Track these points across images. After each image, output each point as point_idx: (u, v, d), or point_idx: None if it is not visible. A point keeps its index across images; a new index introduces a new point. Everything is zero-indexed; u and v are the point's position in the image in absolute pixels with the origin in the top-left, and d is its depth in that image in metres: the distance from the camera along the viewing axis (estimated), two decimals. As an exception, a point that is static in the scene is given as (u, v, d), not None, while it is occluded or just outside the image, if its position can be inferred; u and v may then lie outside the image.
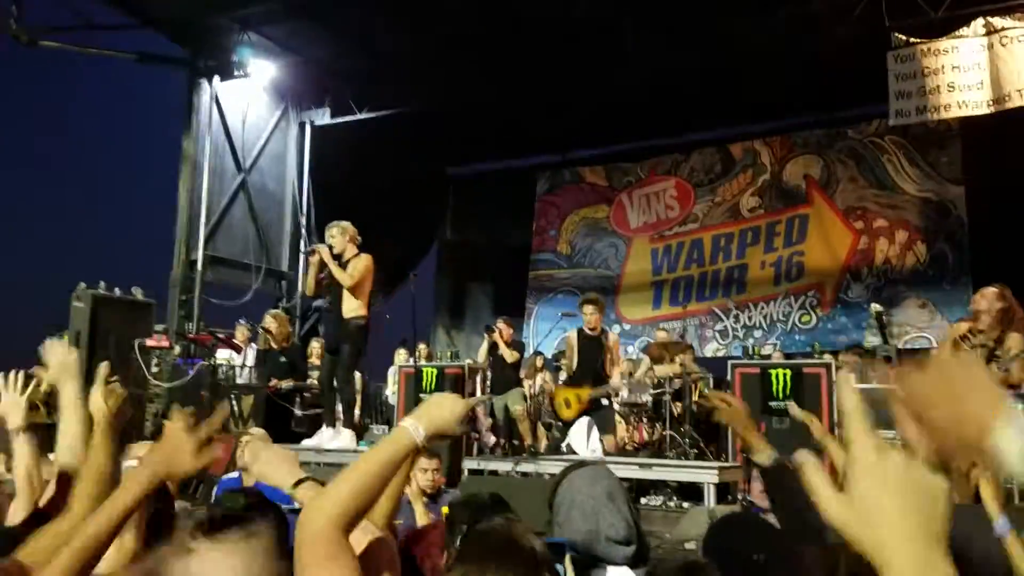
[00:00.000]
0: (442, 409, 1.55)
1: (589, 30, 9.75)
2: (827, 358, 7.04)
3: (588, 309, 7.70)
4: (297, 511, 3.28)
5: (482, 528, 1.52)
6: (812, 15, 9.02)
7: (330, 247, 7.16)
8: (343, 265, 7.15)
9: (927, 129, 10.92)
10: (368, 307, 7.28)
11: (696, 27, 9.59)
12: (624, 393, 8.51)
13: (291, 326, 9.98)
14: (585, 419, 7.31)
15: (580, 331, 7.79)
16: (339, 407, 7.59)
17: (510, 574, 1.31)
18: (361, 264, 7.12)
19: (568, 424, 7.41)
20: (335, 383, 7.46)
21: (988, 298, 5.25)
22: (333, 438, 7.28)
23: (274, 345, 8.38)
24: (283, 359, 8.30)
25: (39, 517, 1.96)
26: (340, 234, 7.20)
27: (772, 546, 1.89)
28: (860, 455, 0.79)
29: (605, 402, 7.58)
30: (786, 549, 1.89)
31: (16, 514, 2.13)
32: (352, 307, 7.15)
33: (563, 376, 8.26)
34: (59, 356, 2.20)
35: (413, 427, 1.51)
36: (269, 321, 8.51)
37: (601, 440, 7.49)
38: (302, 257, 11.97)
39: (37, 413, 2.88)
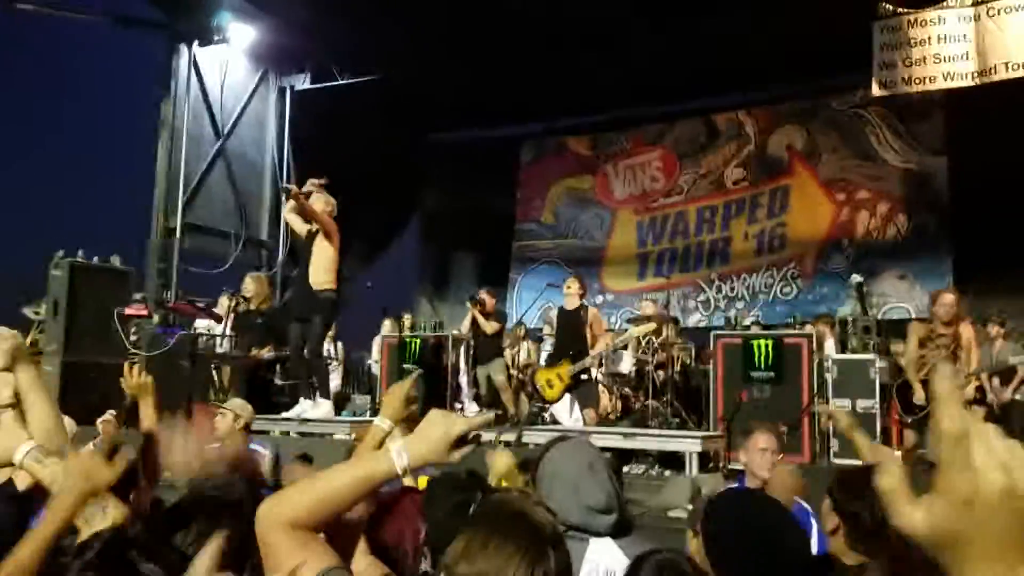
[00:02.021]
0: (435, 434, 1.45)
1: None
2: (808, 329, 7.09)
3: (570, 280, 7.86)
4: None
5: (493, 499, 1.53)
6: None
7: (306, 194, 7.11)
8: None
9: (910, 100, 10.91)
10: (338, 279, 7.19)
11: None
12: (602, 361, 8.58)
13: (272, 291, 9.84)
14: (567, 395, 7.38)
15: (560, 308, 7.85)
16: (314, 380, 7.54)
17: (512, 546, 1.30)
18: (321, 203, 7.06)
19: (553, 404, 7.47)
20: (306, 354, 7.38)
21: (948, 303, 6.19)
22: (313, 409, 7.26)
23: (251, 307, 8.25)
24: (260, 321, 8.18)
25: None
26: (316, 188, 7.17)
27: (780, 522, 1.88)
28: (953, 474, 0.66)
29: (585, 376, 7.61)
30: (791, 527, 1.89)
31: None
32: (322, 279, 7.06)
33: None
34: None
35: (397, 454, 1.42)
36: (248, 282, 8.40)
37: (583, 413, 7.53)
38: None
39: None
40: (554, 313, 7.91)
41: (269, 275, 11.83)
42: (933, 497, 0.66)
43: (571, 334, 7.56)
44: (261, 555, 1.36)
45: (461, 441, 1.45)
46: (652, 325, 7.75)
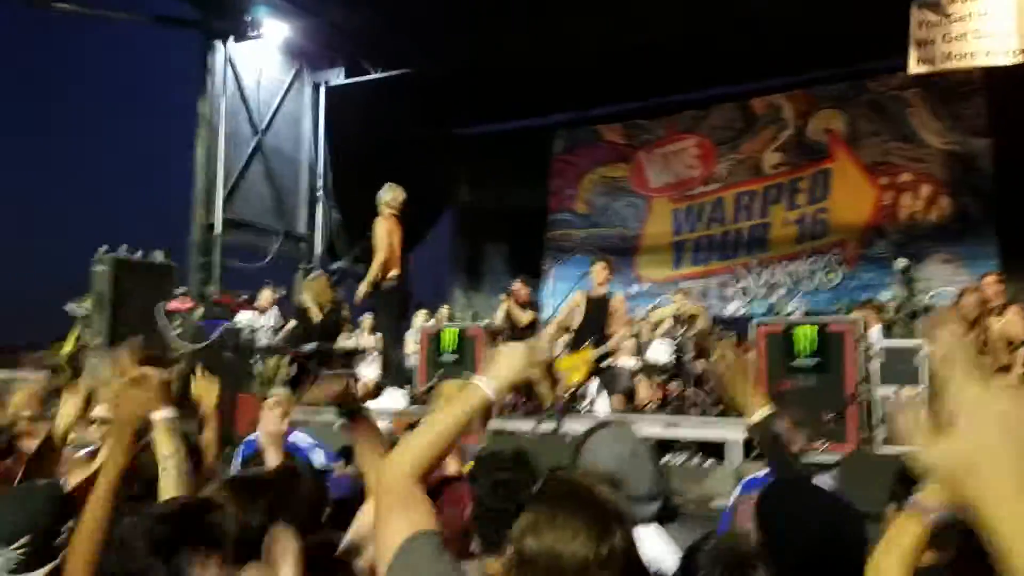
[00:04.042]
0: (512, 359, 1.62)
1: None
2: (853, 315, 6.96)
3: (599, 266, 7.77)
4: (325, 471, 3.33)
5: (560, 477, 1.56)
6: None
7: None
8: None
9: (951, 81, 10.67)
10: (401, 266, 7.33)
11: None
12: (640, 350, 8.52)
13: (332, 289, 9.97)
14: (596, 380, 7.36)
15: (587, 294, 7.79)
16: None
17: (579, 522, 1.32)
18: (376, 230, 7.23)
19: (579, 389, 7.44)
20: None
21: (971, 304, 6.26)
22: (400, 399, 7.45)
23: (313, 306, 8.43)
24: (322, 319, 8.37)
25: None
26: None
27: (832, 515, 1.84)
28: (962, 393, 0.72)
29: (611, 360, 7.58)
30: (847, 518, 1.85)
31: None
32: (382, 271, 7.25)
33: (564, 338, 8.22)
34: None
35: (485, 383, 1.58)
36: (307, 287, 8.63)
37: (611, 399, 7.51)
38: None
39: (62, 375, 3.01)
40: (582, 296, 7.85)
41: (307, 267, 11.98)
42: (950, 432, 0.72)
43: (595, 320, 7.53)
44: (376, 512, 1.48)
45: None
46: (676, 306, 7.68)
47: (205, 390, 3.40)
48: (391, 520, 1.43)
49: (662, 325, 9.24)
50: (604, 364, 7.51)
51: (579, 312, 7.67)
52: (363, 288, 7.27)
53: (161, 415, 2.02)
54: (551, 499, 1.39)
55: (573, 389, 7.45)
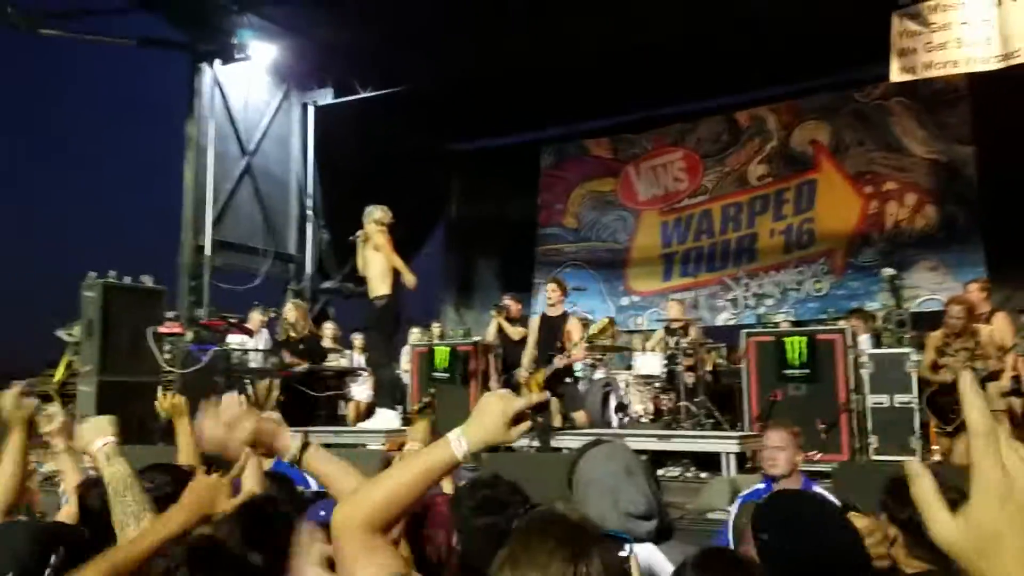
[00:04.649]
0: (491, 415, 1.48)
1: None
2: (841, 324, 7.00)
3: (550, 287, 7.78)
4: (318, 494, 3.29)
5: (535, 511, 1.56)
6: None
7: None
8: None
9: (934, 89, 10.77)
10: (392, 284, 7.33)
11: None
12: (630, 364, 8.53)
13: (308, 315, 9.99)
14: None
15: (543, 314, 7.81)
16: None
17: (553, 542, 1.31)
18: (377, 240, 7.29)
19: (535, 411, 7.35)
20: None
21: (956, 314, 6.24)
22: (392, 419, 7.40)
23: (293, 334, 8.42)
24: (301, 346, 8.35)
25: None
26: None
27: (832, 522, 1.85)
28: (986, 475, 0.68)
29: (569, 380, 7.58)
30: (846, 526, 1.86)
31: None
32: (374, 288, 7.26)
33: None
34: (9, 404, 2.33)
35: (456, 440, 1.46)
36: (289, 310, 8.60)
37: (572, 416, 7.50)
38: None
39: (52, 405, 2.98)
40: (536, 319, 7.86)
41: (297, 288, 11.97)
42: (971, 500, 0.67)
43: (548, 340, 7.53)
44: (336, 561, 1.40)
45: (518, 419, 1.48)
46: (603, 321, 7.77)
47: (174, 411, 3.30)
48: (354, 569, 1.38)
49: (654, 337, 9.27)
50: (566, 380, 7.51)
51: (534, 332, 7.71)
52: (409, 277, 7.29)
53: (100, 443, 2.08)
54: (527, 531, 1.39)
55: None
